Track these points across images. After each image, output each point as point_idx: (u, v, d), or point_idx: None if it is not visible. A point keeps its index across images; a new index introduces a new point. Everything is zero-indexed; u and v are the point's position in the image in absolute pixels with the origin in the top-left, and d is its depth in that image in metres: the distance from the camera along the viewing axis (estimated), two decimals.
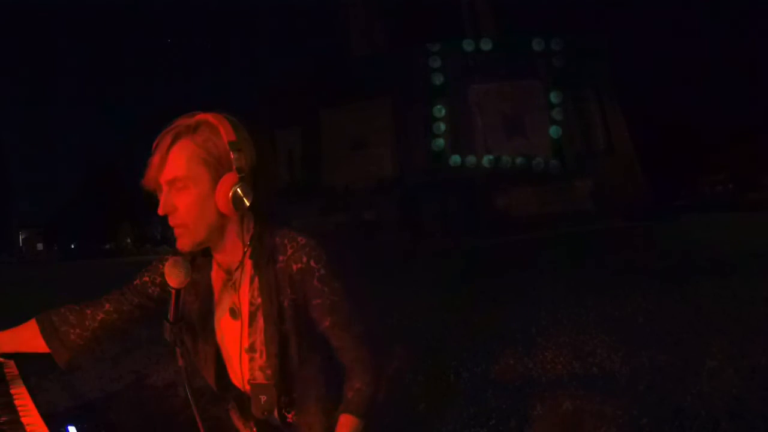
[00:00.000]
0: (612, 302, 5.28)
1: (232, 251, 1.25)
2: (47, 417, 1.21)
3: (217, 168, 1.19)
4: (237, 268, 1.26)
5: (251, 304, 1.24)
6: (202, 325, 1.30)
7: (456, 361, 3.90)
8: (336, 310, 1.24)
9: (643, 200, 18.04)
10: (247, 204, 1.19)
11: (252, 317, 1.24)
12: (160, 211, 1.20)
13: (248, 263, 1.25)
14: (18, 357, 1.49)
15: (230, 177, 1.18)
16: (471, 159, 18.42)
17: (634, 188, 18.27)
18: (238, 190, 1.18)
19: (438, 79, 18.74)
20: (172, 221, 1.20)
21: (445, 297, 6.52)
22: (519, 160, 18.38)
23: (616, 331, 4.25)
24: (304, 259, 1.22)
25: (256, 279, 1.24)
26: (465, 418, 2.95)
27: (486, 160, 18.37)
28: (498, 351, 4.06)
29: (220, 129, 1.19)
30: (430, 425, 2.94)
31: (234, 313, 1.27)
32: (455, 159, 18.32)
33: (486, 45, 19.07)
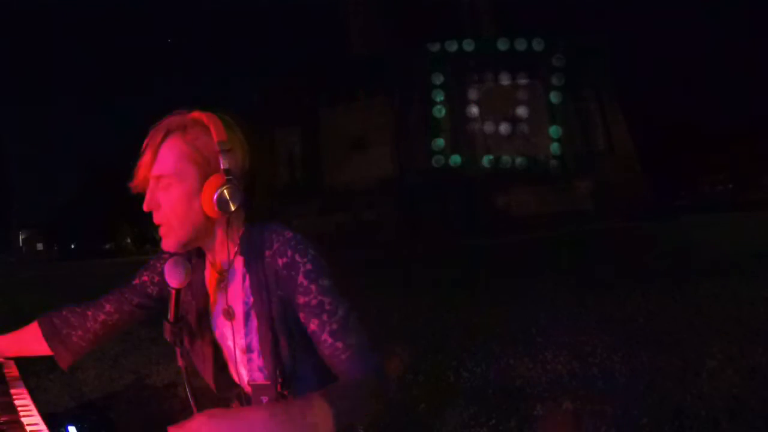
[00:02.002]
0: (612, 302, 5.28)
1: (222, 251, 1.23)
2: (47, 417, 1.21)
3: (205, 168, 1.16)
4: (228, 268, 1.24)
5: (245, 303, 1.21)
6: (199, 325, 1.30)
7: (456, 361, 3.91)
8: (324, 311, 1.13)
9: (643, 200, 18.05)
10: (233, 208, 1.16)
11: (247, 317, 1.21)
12: (145, 207, 1.17)
13: (239, 261, 1.22)
14: (18, 357, 1.49)
15: (217, 179, 1.16)
16: (471, 159, 18.43)
17: (634, 188, 18.28)
18: (225, 192, 1.15)
19: (438, 79, 18.75)
20: (156, 219, 1.18)
21: (445, 297, 6.52)
22: (519, 160, 18.39)
23: (616, 331, 4.25)
24: (289, 253, 1.16)
25: (247, 277, 1.21)
26: (465, 418, 2.95)
27: (486, 160, 18.39)
28: (498, 351, 4.06)
29: (212, 128, 1.17)
30: (430, 425, 2.94)
31: (228, 313, 1.25)
32: (455, 159, 18.34)
33: (486, 45, 19.09)
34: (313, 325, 1.13)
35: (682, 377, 3.24)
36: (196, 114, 1.20)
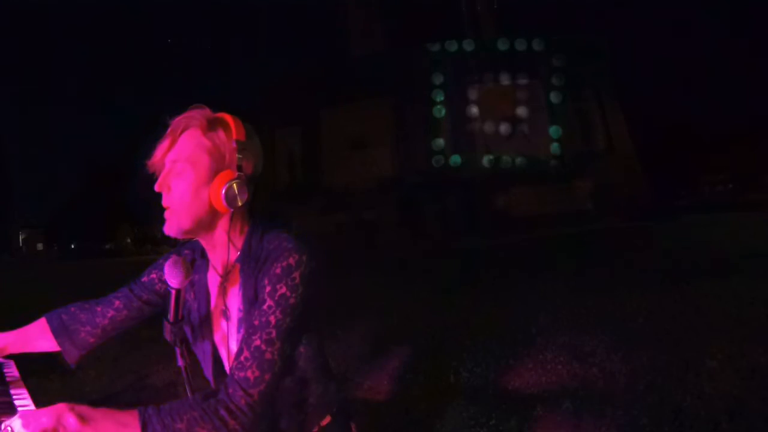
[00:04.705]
0: (612, 302, 5.28)
1: (222, 251, 1.24)
2: None
3: (219, 161, 1.20)
4: (228, 273, 1.25)
5: (239, 310, 1.22)
6: (200, 324, 1.31)
7: (456, 361, 3.90)
8: (261, 313, 1.13)
9: (643, 200, 18.05)
10: (239, 203, 1.19)
11: (240, 324, 1.22)
12: (156, 188, 1.21)
13: (238, 268, 1.23)
14: (18, 357, 1.49)
15: (228, 173, 1.19)
16: (471, 159, 18.43)
17: (634, 188, 18.27)
18: (234, 186, 1.18)
19: (438, 79, 18.75)
20: (164, 201, 1.21)
21: (445, 297, 6.52)
22: (519, 160, 18.39)
23: (616, 331, 4.25)
24: (271, 261, 1.16)
25: (243, 287, 1.22)
26: (465, 418, 2.95)
27: (486, 160, 18.38)
28: (498, 351, 4.05)
29: (232, 127, 1.22)
30: (430, 425, 2.94)
31: (226, 315, 1.26)
32: (455, 159, 18.34)
33: (486, 45, 19.10)
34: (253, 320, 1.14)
35: (682, 377, 3.24)
36: (220, 114, 1.25)
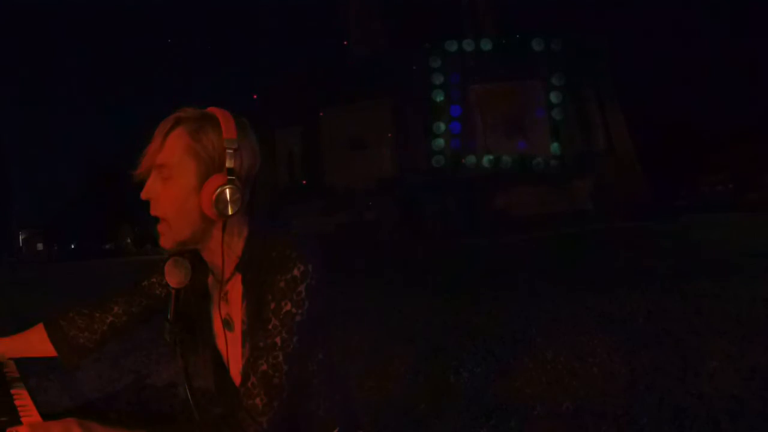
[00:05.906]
0: (612, 302, 5.28)
1: (218, 257, 1.17)
2: (47, 417, 1.21)
3: (207, 165, 1.11)
4: (228, 279, 1.20)
5: (243, 322, 1.17)
6: (200, 327, 1.29)
7: (456, 361, 3.90)
8: (268, 334, 1.08)
9: (643, 200, 18.08)
10: (231, 211, 1.10)
11: (244, 337, 1.17)
12: (143, 195, 1.13)
13: (239, 277, 1.18)
14: (21, 358, 1.49)
15: (218, 178, 1.10)
16: (471, 159, 18.45)
17: (634, 188, 18.31)
18: (225, 192, 1.09)
19: (438, 79, 18.78)
20: (153, 210, 1.14)
21: (445, 297, 6.52)
22: (519, 160, 18.41)
23: (616, 331, 4.25)
24: (273, 271, 1.10)
25: (246, 299, 1.16)
26: (465, 418, 2.95)
27: (486, 160, 18.41)
28: (498, 351, 4.06)
29: (222, 125, 1.12)
30: (430, 425, 2.94)
31: (228, 324, 1.23)
32: (456, 159, 18.36)
33: (486, 45, 19.13)
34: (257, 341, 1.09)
35: (682, 377, 3.24)
36: (210, 110, 1.16)
